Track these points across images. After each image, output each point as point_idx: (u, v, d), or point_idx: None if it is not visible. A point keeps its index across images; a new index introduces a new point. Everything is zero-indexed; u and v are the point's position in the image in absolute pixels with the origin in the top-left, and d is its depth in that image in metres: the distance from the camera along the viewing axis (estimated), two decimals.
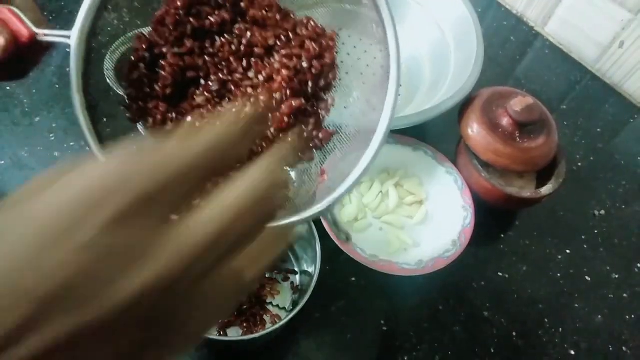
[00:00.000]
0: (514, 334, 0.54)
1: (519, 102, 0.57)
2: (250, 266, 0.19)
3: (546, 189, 0.58)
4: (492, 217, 0.61)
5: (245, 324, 0.49)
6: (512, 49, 0.84)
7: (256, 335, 0.43)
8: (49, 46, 0.37)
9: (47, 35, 0.36)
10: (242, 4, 0.32)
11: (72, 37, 0.33)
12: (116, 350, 0.16)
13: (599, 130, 0.75)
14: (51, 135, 0.61)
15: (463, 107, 0.60)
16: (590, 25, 0.81)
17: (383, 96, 0.31)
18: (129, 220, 0.16)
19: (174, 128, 0.32)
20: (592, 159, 0.72)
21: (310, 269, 0.49)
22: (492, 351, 0.53)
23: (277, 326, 0.43)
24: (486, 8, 0.89)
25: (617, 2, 0.76)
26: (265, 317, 0.50)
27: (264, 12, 0.32)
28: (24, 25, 0.37)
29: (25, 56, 0.37)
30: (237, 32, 0.32)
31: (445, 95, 0.59)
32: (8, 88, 0.64)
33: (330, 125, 0.35)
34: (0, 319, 0.15)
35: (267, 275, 0.52)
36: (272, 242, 0.20)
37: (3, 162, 0.58)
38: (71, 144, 0.61)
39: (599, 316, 0.57)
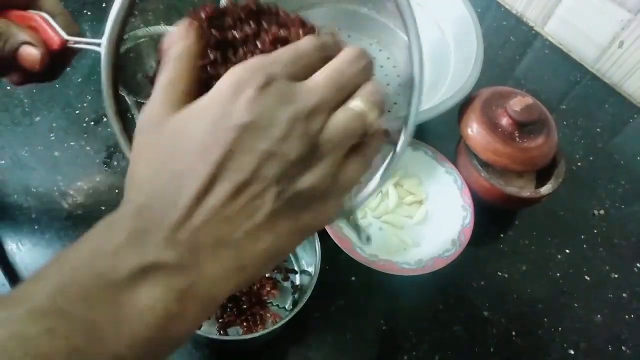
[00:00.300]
0: (514, 333, 0.54)
1: (519, 102, 0.57)
2: (368, 110, 0.26)
3: (546, 189, 0.58)
4: (492, 217, 0.61)
5: (245, 324, 0.49)
6: (512, 49, 0.84)
7: (256, 335, 0.43)
8: (79, 50, 0.37)
9: (78, 42, 0.36)
10: (264, 23, 0.33)
11: (103, 45, 0.34)
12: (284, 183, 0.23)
13: (598, 130, 0.75)
14: (52, 135, 0.61)
15: (463, 107, 0.61)
16: (590, 25, 0.81)
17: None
18: (273, 83, 0.23)
19: None
20: (591, 159, 0.72)
21: (310, 269, 0.49)
22: (492, 351, 0.53)
23: (277, 326, 0.43)
24: (486, 8, 0.90)
25: (617, 2, 0.76)
26: (265, 316, 0.50)
27: (284, 30, 0.32)
28: (55, 33, 0.37)
29: (57, 61, 0.38)
30: (260, 44, 0.32)
31: (445, 95, 0.59)
32: (9, 88, 0.65)
33: None
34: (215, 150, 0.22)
35: (267, 275, 0.52)
36: (376, 97, 0.27)
37: (3, 162, 0.58)
38: (72, 143, 0.61)
39: (599, 316, 0.57)
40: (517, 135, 0.57)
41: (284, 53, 0.25)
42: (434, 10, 0.70)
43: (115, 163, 0.60)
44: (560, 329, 0.55)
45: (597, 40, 0.81)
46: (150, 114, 0.25)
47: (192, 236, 0.21)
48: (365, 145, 0.26)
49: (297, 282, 0.53)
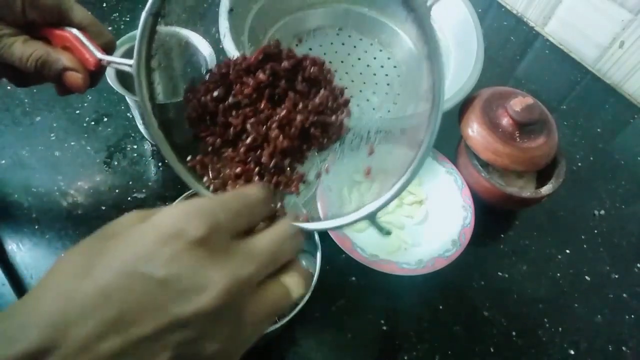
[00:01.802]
0: (514, 333, 0.54)
1: (519, 102, 0.57)
2: (296, 289, 0.26)
3: (546, 189, 0.58)
4: (492, 217, 0.61)
5: None
6: (512, 49, 0.84)
7: None
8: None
9: (111, 62, 0.38)
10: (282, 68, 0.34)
11: (134, 65, 0.35)
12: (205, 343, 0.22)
13: (599, 130, 0.75)
14: (52, 135, 0.61)
15: (463, 107, 0.61)
16: (590, 25, 0.81)
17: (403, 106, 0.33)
18: (212, 236, 0.22)
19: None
20: (592, 159, 0.72)
21: (311, 269, 0.49)
22: (492, 350, 0.53)
23: (277, 326, 0.43)
24: (486, 8, 0.90)
25: (617, 2, 0.76)
26: None
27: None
28: (89, 54, 0.39)
29: (93, 73, 0.40)
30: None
31: (445, 95, 0.59)
32: (9, 87, 0.64)
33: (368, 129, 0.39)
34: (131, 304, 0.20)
35: None
36: (306, 279, 0.27)
37: (4, 161, 0.58)
38: (72, 143, 0.61)
39: (599, 316, 0.57)
40: (517, 135, 0.57)
41: (232, 199, 0.25)
42: (434, 10, 0.70)
43: (116, 163, 0.60)
44: (560, 329, 0.55)
45: (597, 40, 0.81)
46: (119, 220, 0.24)
47: None
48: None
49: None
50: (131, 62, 0.35)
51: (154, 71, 0.36)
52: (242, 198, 0.26)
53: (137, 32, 0.34)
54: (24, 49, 0.38)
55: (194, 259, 0.21)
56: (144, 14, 0.34)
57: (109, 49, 0.42)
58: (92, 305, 0.20)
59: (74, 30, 0.39)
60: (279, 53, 0.34)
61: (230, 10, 0.55)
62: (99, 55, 0.39)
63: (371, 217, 0.34)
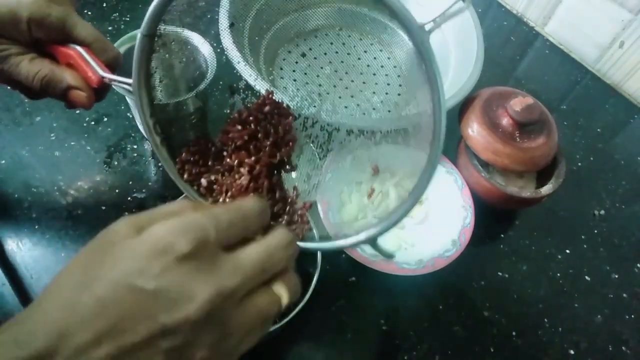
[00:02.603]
0: (514, 333, 0.54)
1: (519, 102, 0.57)
2: (285, 297, 0.26)
3: (546, 189, 0.58)
4: (492, 216, 0.61)
5: None
6: (512, 49, 0.84)
7: None
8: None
9: (112, 80, 0.39)
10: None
11: (133, 85, 0.36)
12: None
13: (599, 130, 0.75)
14: (52, 135, 0.61)
15: (463, 107, 0.61)
16: (590, 25, 0.81)
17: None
18: (200, 251, 0.23)
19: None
20: (592, 159, 0.72)
21: (311, 269, 0.49)
22: (492, 350, 0.53)
23: (277, 326, 0.43)
24: (486, 8, 0.90)
25: (617, 2, 0.76)
26: None
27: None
28: (92, 71, 0.39)
29: (98, 89, 0.41)
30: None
31: (445, 95, 0.59)
32: (9, 87, 0.64)
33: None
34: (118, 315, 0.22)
35: None
36: (293, 287, 0.28)
37: (4, 161, 0.58)
38: (72, 143, 0.61)
39: (599, 316, 0.57)
40: (517, 135, 0.57)
41: (225, 212, 0.25)
42: (434, 10, 0.70)
43: (116, 163, 0.60)
44: (560, 329, 0.55)
45: (597, 40, 0.81)
46: (114, 228, 0.25)
47: None
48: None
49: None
50: (130, 80, 0.35)
51: (153, 89, 0.36)
52: (235, 211, 0.26)
53: (134, 53, 0.34)
54: (30, 68, 0.39)
55: (181, 273, 0.22)
56: (139, 35, 0.34)
57: (114, 65, 0.42)
58: (90, 315, 0.22)
59: (78, 48, 0.40)
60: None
61: (231, 25, 0.55)
62: (102, 73, 0.39)
63: (373, 242, 0.34)
